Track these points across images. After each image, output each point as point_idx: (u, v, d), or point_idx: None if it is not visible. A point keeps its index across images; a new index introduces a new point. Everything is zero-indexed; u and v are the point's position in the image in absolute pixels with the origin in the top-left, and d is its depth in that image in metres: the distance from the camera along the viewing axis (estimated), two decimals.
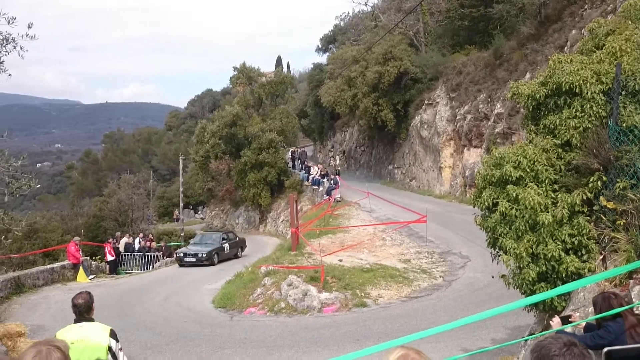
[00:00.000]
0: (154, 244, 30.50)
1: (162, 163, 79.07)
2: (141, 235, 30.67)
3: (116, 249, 27.26)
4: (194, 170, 48.25)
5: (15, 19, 7.78)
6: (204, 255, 25.70)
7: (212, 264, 25.50)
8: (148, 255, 28.79)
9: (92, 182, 78.32)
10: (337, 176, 32.66)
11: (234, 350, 11.60)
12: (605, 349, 1.88)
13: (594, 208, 6.37)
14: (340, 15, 59.22)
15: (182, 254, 26.23)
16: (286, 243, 23.42)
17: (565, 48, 21.57)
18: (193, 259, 25.71)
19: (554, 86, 6.95)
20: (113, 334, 5.26)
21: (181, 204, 39.12)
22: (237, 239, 29.34)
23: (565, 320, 4.96)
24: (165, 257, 29.08)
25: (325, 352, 10.74)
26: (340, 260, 17.70)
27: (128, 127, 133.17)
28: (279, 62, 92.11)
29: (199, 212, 57.66)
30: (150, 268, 27.71)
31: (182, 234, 35.44)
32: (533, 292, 6.51)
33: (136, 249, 28.66)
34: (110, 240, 28.19)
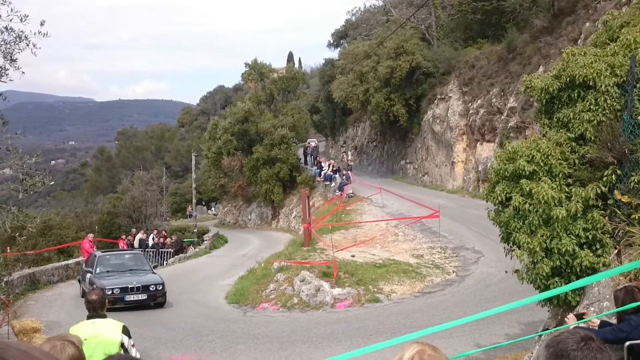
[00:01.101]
0: (168, 240, 30.68)
1: (175, 160, 79.41)
2: (155, 231, 30.87)
3: (130, 245, 27.44)
4: (206, 166, 48.42)
5: (27, 16, 7.84)
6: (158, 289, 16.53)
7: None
8: (162, 251, 28.95)
9: (105, 179, 78.87)
10: (349, 172, 32.61)
11: (247, 345, 11.66)
12: (627, 343, 1.86)
13: (608, 202, 6.32)
14: (352, 10, 59.17)
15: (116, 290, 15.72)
16: (298, 239, 23.45)
17: (579, 41, 21.34)
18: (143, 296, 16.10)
19: (568, 79, 6.89)
20: (126, 330, 5.31)
21: (194, 201, 39.28)
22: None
23: (580, 317, 4.93)
24: (174, 254, 28.89)
25: (338, 347, 10.76)
26: (353, 256, 17.69)
27: (141, 124, 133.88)
28: (290, 57, 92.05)
29: (212, 209, 57.88)
30: (165, 264, 27.87)
31: (195, 230, 35.59)
32: (547, 287, 6.46)
33: (150, 245, 28.85)
34: (124, 236, 28.38)
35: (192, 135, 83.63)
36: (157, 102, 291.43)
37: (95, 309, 5.35)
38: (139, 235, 28.72)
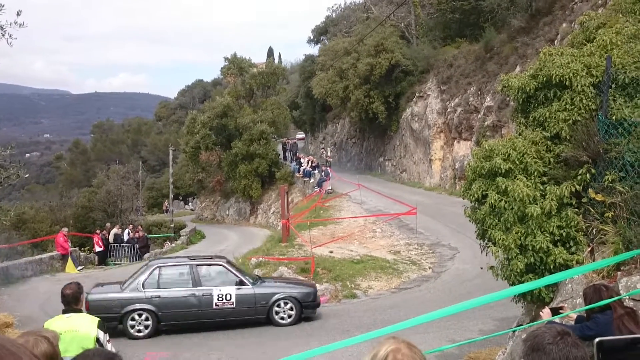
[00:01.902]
0: (142, 234, 30.39)
1: (152, 154, 78.67)
2: (130, 226, 30.55)
3: (105, 240, 27.14)
4: (184, 161, 48.07)
5: (3, 6, 7.70)
6: None
7: None
8: (137, 246, 28.67)
9: (80, 173, 77.81)
10: (328, 168, 32.66)
11: (224, 341, 11.62)
12: (597, 339, 1.90)
13: (582, 200, 6.42)
14: (332, 7, 59.07)
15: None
16: (277, 235, 23.42)
17: (556, 41, 21.62)
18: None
19: (544, 79, 6.98)
20: (101, 325, 5.27)
21: (171, 195, 38.98)
22: None
23: (556, 312, 5.00)
24: (139, 250, 28.20)
25: (314, 342, 10.75)
26: (331, 252, 17.74)
27: (117, 117, 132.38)
28: (270, 53, 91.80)
29: (189, 204, 57.52)
30: (140, 259, 27.59)
31: (172, 225, 35.33)
32: (521, 283, 6.55)
33: (125, 240, 28.56)
34: (99, 231, 28.04)
35: (169, 129, 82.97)
36: (134, 95, 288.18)
37: (69, 303, 5.30)
38: (114, 230, 28.41)
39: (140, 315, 11.91)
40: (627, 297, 5.09)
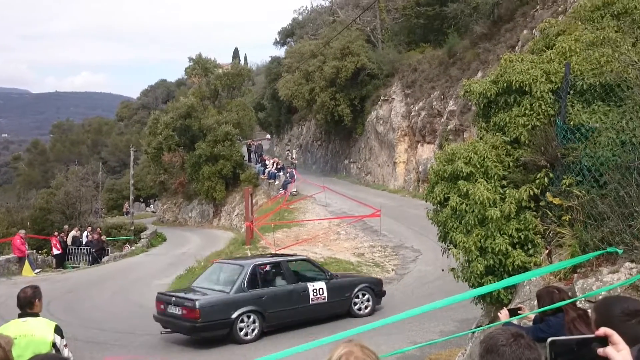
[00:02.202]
0: (103, 238, 29.80)
1: (113, 155, 77.13)
2: (89, 228, 29.92)
3: (63, 243, 26.51)
4: (145, 162, 47.26)
5: None
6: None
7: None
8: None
9: (39, 174, 75.73)
10: (293, 170, 32.62)
11: (185, 345, 11.47)
12: (549, 339, 1.93)
13: (540, 204, 6.55)
14: (299, 9, 59.04)
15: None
16: (240, 237, 23.27)
17: (517, 48, 22.09)
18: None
19: (505, 85, 7.11)
20: (58, 330, 5.14)
21: (132, 197, 38.30)
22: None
23: (514, 313, 5.07)
24: (95, 253, 27.61)
25: (279, 345, 10.72)
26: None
27: (78, 117, 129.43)
28: (236, 54, 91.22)
29: (151, 206, 56.60)
30: (99, 262, 27.06)
31: (132, 228, 34.72)
32: (481, 285, 6.65)
33: (84, 242, 27.96)
34: (57, 233, 27.37)
35: (131, 129, 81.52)
36: (95, 95, 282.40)
37: (23, 307, 5.16)
38: (73, 233, 27.78)
39: (248, 317, 11.39)
40: (583, 299, 5.21)
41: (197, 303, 10.81)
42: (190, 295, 11.50)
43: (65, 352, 5.11)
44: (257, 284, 11.76)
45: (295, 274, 12.42)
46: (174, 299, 11.42)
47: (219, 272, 12.67)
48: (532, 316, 5.10)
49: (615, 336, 1.82)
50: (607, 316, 2.50)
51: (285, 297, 11.87)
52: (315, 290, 12.11)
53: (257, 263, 12.31)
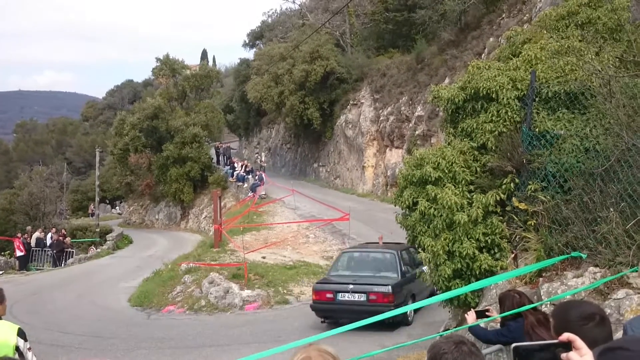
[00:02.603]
0: (67, 240, 29.18)
1: (78, 155, 75.54)
2: (53, 230, 29.27)
3: (26, 244, 25.88)
4: (111, 163, 46.46)
5: None
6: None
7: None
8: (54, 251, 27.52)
9: (2, 174, 73.64)
10: (262, 173, 32.50)
11: (151, 350, 11.31)
12: (513, 345, 1.98)
13: (506, 209, 6.68)
14: (268, 12, 59.06)
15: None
16: (208, 240, 23.07)
17: (483, 55, 22.47)
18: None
19: (472, 91, 7.23)
20: (21, 333, 5.02)
21: (97, 199, 37.63)
22: None
23: (482, 315, 5.14)
24: (56, 255, 26.93)
25: (245, 349, 10.66)
26: (264, 258, 17.64)
27: (42, 117, 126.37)
28: (204, 55, 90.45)
29: (116, 207, 55.66)
30: (63, 264, 26.50)
31: (98, 230, 34.08)
32: (448, 289, 6.74)
33: (48, 244, 27.33)
34: (20, 235, 26.70)
35: (96, 130, 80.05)
36: (60, 95, 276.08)
37: None
38: (36, 234, 27.15)
39: (412, 299, 11.42)
40: (548, 302, 5.32)
41: (389, 288, 10.75)
42: (370, 281, 11.40)
43: (29, 356, 5.00)
44: (407, 268, 11.89)
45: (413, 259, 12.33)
46: (351, 286, 11.21)
47: (360, 259, 12.58)
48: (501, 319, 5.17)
49: (578, 341, 1.87)
50: (564, 321, 2.57)
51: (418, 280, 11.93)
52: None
53: (401, 249, 12.24)
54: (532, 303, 4.76)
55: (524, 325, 4.44)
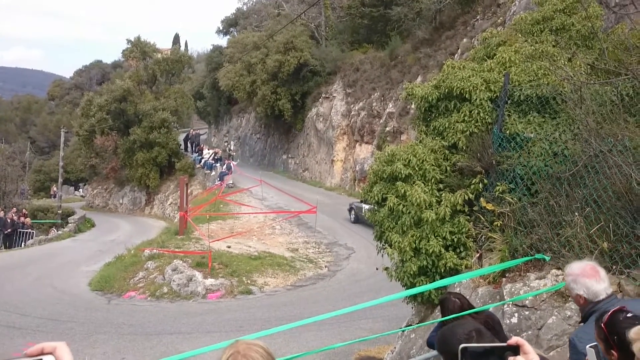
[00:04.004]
0: (27, 220, 28.49)
1: (42, 134, 73.73)
2: (14, 210, 28.54)
3: None
4: (76, 144, 45.50)
5: None
6: None
7: None
8: (20, 231, 26.86)
9: None
10: (231, 162, 32.24)
11: (110, 335, 11.14)
12: (461, 345, 1.98)
13: (474, 208, 6.74)
14: None
15: None
16: (173, 227, 22.82)
17: (456, 55, 22.68)
18: None
19: (446, 90, 7.26)
20: None
21: (60, 180, 36.78)
22: None
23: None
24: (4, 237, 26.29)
25: (206, 338, 10.60)
26: (229, 247, 17.52)
27: (6, 94, 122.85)
28: (176, 39, 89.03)
29: (80, 190, 54.55)
30: (22, 245, 25.87)
31: (60, 211, 33.37)
32: (413, 285, 6.77)
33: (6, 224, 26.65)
34: None
35: (62, 110, 78.09)
36: (27, 72, 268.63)
37: None
38: None
39: None
40: (510, 302, 5.40)
41: None
42: None
43: None
44: None
45: None
46: None
47: None
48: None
49: (526, 346, 1.89)
50: (451, 352, 2.63)
51: None
52: None
53: None
54: (473, 307, 4.75)
55: None
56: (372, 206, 7.74)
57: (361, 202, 19.98)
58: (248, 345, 2.15)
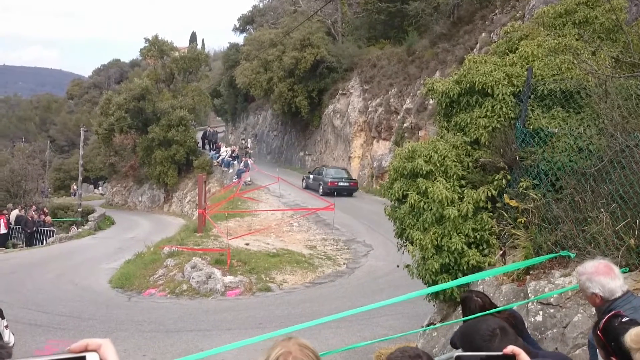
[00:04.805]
0: (48, 218, 28.83)
1: (61, 133, 74.61)
2: (33, 208, 28.90)
3: (8, 222, 25.55)
4: (95, 143, 45.97)
5: None
6: None
7: None
8: (41, 230, 27.19)
9: None
10: (248, 159, 32.34)
11: (131, 332, 11.19)
12: (455, 354, 1.94)
13: (497, 205, 6.64)
14: None
15: None
16: (192, 224, 22.91)
17: (475, 50, 22.47)
18: None
19: (468, 85, 7.16)
20: None
21: (80, 178, 37.20)
22: None
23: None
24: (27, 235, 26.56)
25: (226, 335, 10.60)
26: (247, 244, 17.55)
27: (26, 93, 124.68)
28: (193, 37, 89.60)
29: (99, 188, 55.12)
30: (44, 243, 26.20)
31: (80, 209, 33.72)
32: (435, 283, 6.71)
33: (25, 222, 26.97)
34: (6, 212, 26.30)
35: (81, 109, 78.97)
36: (45, 71, 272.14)
37: None
38: (16, 212, 26.76)
39: None
40: (535, 300, 5.31)
41: None
42: None
43: (6, 334, 4.89)
44: None
45: None
46: None
47: None
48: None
49: (522, 355, 1.86)
50: (472, 348, 2.57)
51: None
52: None
53: None
54: (494, 306, 4.63)
55: None
56: (393, 203, 7.67)
57: (309, 173, 28.76)
58: (301, 348, 2.07)
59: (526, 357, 1.86)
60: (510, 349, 1.87)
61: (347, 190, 26.06)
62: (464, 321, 4.49)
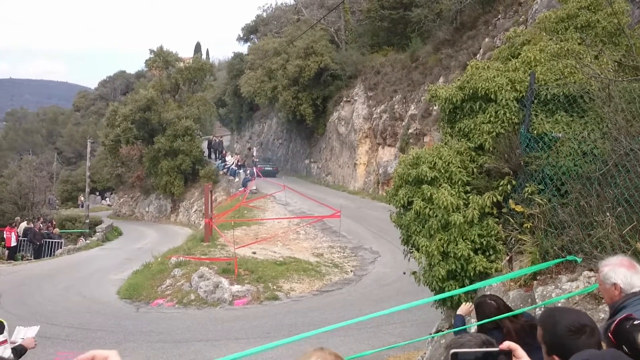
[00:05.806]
0: (56, 230, 28.96)
1: (68, 145, 75.01)
2: (41, 220, 29.03)
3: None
4: (102, 154, 46.22)
5: None
6: None
7: None
8: (49, 241, 27.31)
9: None
10: (253, 168, 32.41)
11: (139, 343, 11.23)
12: (452, 351, 1.91)
13: (502, 210, 6.64)
14: (263, 6, 58.75)
15: None
16: (199, 234, 22.97)
17: (478, 55, 22.46)
18: None
19: (471, 91, 7.18)
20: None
21: (87, 189, 37.36)
22: None
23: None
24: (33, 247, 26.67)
25: (234, 345, 10.61)
26: (254, 253, 17.57)
27: (32, 106, 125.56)
28: (198, 48, 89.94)
29: (106, 199, 55.32)
30: (52, 255, 26.31)
31: (87, 221, 33.87)
32: (442, 290, 6.70)
33: (35, 235, 27.11)
34: (15, 225, 26.46)
35: (88, 120, 79.44)
36: (51, 84, 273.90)
37: None
38: (24, 224, 26.91)
39: None
40: (543, 305, 5.30)
41: None
42: None
43: (0, 349, 4.90)
44: None
45: None
46: None
47: None
48: None
49: (519, 351, 1.86)
50: (553, 333, 2.49)
51: None
52: None
53: None
54: (510, 310, 4.56)
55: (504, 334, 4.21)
56: (398, 210, 7.68)
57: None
58: (336, 359, 2.05)
59: (523, 353, 1.85)
60: (507, 344, 1.86)
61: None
62: (480, 326, 4.43)
